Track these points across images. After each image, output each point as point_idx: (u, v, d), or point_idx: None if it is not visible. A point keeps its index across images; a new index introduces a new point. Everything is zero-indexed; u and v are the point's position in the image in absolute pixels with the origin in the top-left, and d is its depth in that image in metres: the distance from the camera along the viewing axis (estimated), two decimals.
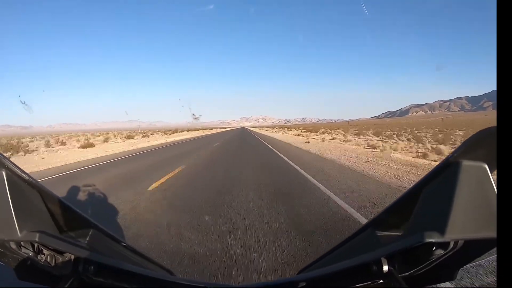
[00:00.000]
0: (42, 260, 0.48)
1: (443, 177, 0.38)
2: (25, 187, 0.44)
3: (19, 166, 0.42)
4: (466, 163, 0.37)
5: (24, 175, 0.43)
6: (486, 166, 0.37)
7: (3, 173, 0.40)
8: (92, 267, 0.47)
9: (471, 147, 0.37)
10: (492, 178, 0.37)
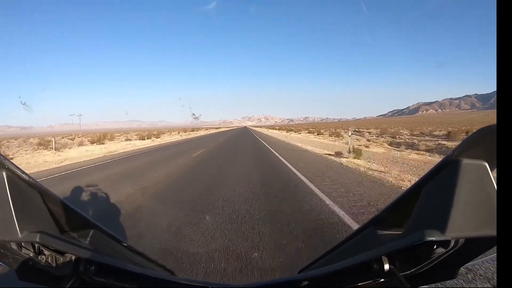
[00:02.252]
0: (43, 261, 0.48)
1: (444, 175, 0.38)
2: (25, 188, 0.44)
3: (20, 167, 0.43)
4: (466, 161, 0.37)
5: (24, 175, 0.43)
6: (486, 164, 0.37)
7: (4, 173, 0.40)
8: (93, 267, 0.47)
9: (471, 145, 0.37)
10: (493, 176, 0.37)
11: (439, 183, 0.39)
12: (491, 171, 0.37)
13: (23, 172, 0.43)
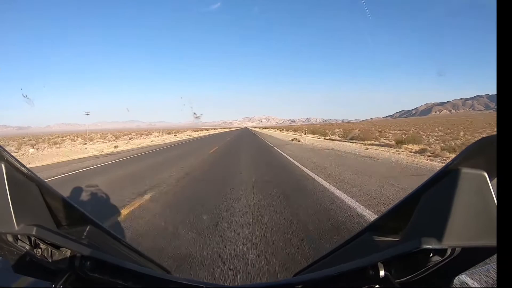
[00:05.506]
0: (39, 254, 0.48)
1: (442, 184, 0.38)
2: (24, 181, 0.43)
3: (19, 160, 0.43)
4: (465, 171, 0.37)
5: (23, 168, 0.43)
6: (486, 174, 0.37)
7: (2, 165, 0.40)
8: (89, 263, 0.46)
9: (471, 155, 0.37)
10: (492, 186, 0.37)
11: (438, 191, 0.39)
12: (490, 181, 0.37)
13: (22, 165, 0.43)
